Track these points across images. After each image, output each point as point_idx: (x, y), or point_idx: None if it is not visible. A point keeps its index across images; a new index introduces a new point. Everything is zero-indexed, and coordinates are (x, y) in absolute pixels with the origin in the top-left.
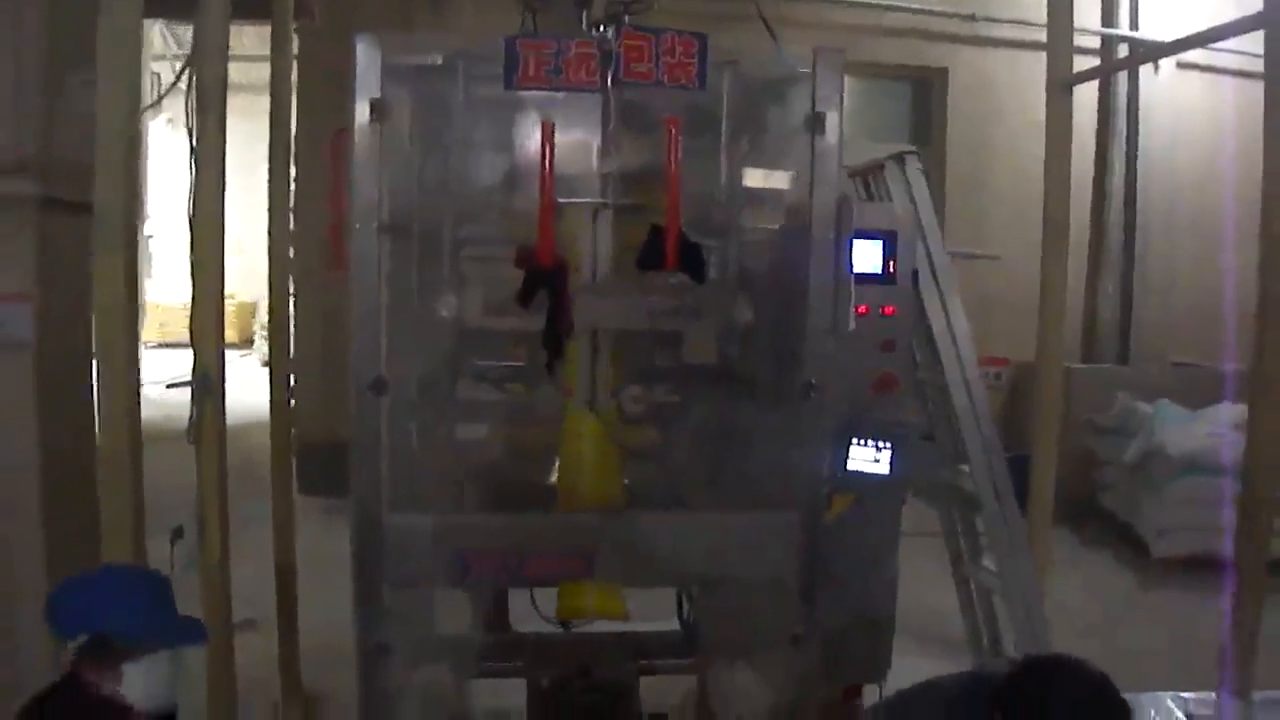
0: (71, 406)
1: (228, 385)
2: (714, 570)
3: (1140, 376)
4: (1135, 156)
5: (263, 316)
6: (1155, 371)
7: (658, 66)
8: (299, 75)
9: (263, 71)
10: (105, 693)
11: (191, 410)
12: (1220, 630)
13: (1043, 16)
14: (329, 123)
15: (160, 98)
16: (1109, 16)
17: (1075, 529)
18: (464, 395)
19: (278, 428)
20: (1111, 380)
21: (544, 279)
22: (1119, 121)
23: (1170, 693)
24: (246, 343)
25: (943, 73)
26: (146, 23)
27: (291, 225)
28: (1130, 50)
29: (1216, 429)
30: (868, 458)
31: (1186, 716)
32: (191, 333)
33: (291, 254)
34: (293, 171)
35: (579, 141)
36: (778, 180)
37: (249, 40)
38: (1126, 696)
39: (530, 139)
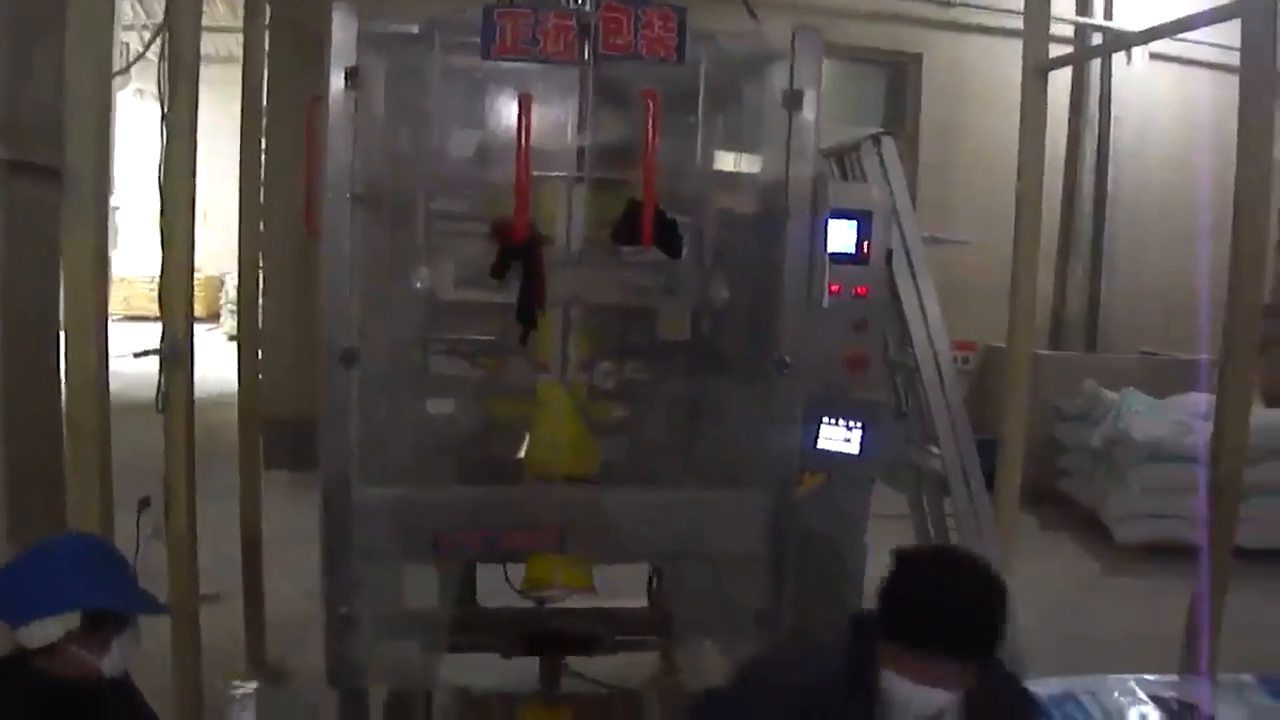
0: (38, 374)
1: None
2: (684, 546)
3: (1106, 364)
4: (1106, 147)
5: (230, 291)
6: (1122, 360)
7: (636, 39)
8: (270, 45)
9: (226, 41)
10: (69, 672)
11: (159, 379)
12: (1183, 614)
13: (1018, 3)
14: (299, 95)
15: (129, 65)
16: (1084, 6)
17: (1035, 513)
18: (435, 369)
19: (246, 398)
20: (1078, 367)
21: (518, 252)
22: (1091, 111)
23: (1134, 675)
24: (213, 317)
25: (917, 58)
26: None
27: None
28: (1104, 40)
29: (1183, 417)
30: (838, 437)
31: (1150, 698)
32: (161, 302)
33: (261, 227)
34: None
35: (555, 114)
36: (755, 157)
37: (220, 11)
38: (1090, 678)
39: (507, 111)
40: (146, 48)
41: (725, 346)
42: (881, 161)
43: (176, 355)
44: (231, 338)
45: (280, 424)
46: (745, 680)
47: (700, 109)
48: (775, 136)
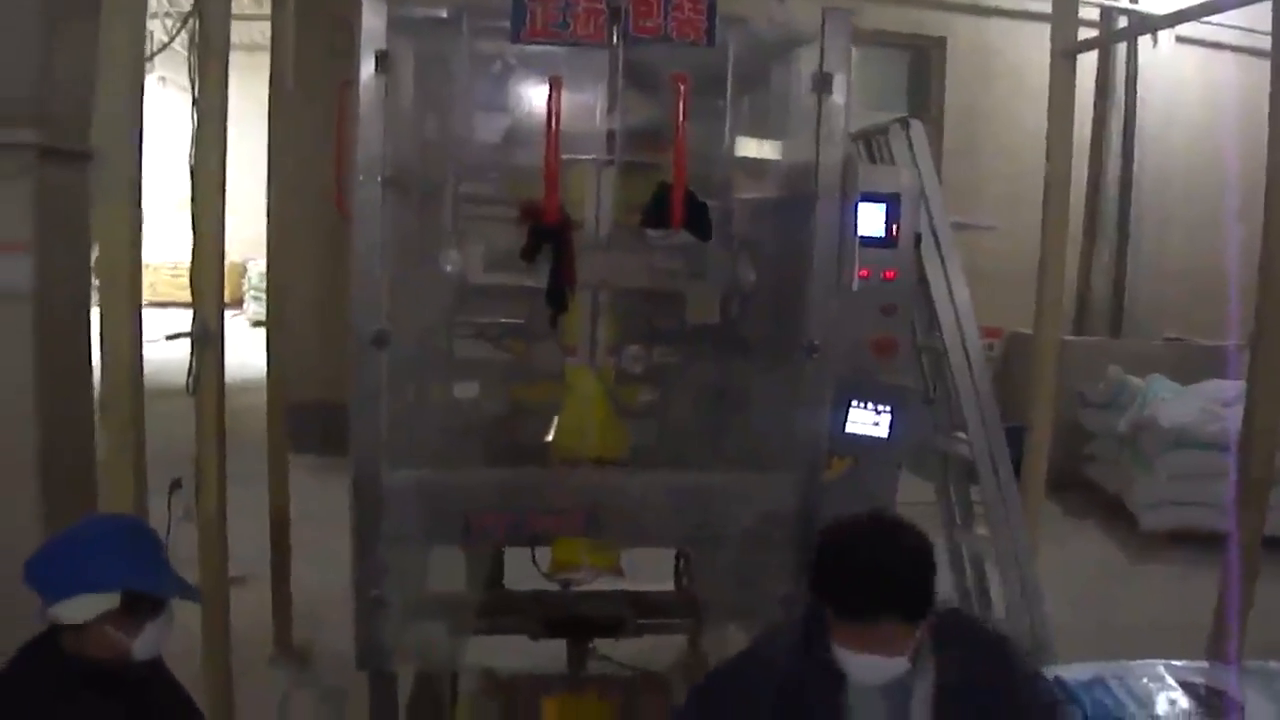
0: (70, 358)
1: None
2: (711, 530)
3: (1132, 350)
4: (1132, 130)
5: (253, 277)
6: (1147, 345)
7: (666, 22)
8: (296, 31)
9: (250, 30)
10: (100, 654)
11: (191, 362)
12: (1209, 602)
13: None
14: (325, 81)
15: (156, 52)
16: None
17: (1059, 500)
18: (461, 353)
19: (274, 382)
20: (1103, 353)
21: (549, 235)
22: (1116, 95)
23: (1162, 660)
24: (237, 303)
25: (941, 42)
26: None
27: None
28: (1130, 23)
29: (1209, 404)
30: (867, 421)
31: (1179, 684)
32: (192, 285)
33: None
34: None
35: (584, 98)
36: (782, 141)
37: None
38: (1118, 664)
39: (535, 94)
40: (175, 35)
41: (753, 331)
42: (910, 145)
43: (208, 337)
44: (255, 323)
45: (306, 408)
46: (739, 659)
47: (729, 93)
48: (803, 120)
